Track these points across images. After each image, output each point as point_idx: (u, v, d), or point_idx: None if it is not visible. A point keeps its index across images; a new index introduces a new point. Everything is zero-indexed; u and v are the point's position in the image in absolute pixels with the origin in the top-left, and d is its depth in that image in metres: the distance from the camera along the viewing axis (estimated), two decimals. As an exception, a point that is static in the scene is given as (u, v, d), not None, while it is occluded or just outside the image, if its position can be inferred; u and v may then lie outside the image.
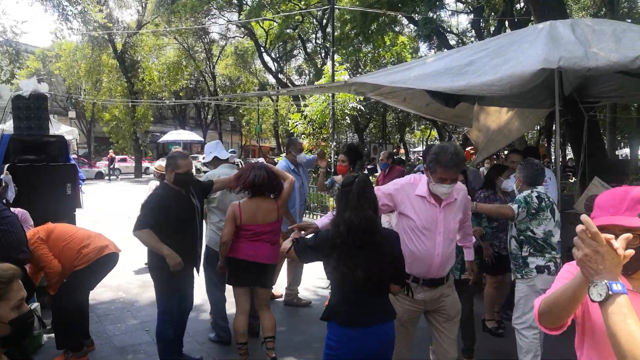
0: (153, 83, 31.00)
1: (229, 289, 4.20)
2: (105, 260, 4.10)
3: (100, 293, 6.08)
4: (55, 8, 20.06)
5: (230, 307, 4.41)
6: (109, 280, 6.58)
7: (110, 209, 14.64)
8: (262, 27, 28.01)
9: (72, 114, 31.51)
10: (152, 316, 5.26)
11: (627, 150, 24.31)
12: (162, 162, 7.25)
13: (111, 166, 28.77)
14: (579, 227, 1.28)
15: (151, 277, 3.92)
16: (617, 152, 22.39)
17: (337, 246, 2.49)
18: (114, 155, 29.47)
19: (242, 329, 3.93)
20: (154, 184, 6.77)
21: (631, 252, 1.29)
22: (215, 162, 4.92)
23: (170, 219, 3.70)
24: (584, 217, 1.28)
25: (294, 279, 5.73)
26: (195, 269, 4.07)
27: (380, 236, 2.57)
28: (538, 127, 18.98)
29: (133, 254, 8.22)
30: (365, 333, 2.51)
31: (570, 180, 11.55)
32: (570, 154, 18.54)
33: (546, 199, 3.72)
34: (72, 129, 14.36)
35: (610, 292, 1.21)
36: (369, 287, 2.50)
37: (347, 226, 2.47)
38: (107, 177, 28.26)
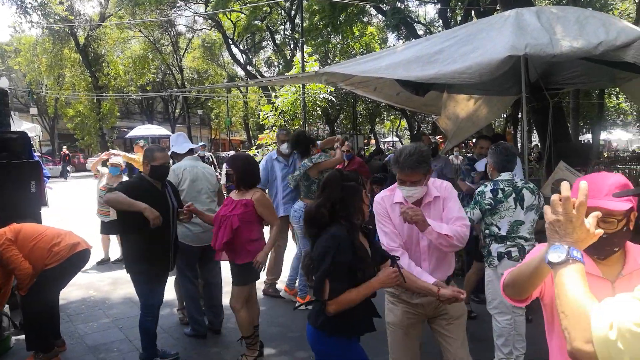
0: (119, 77, 30.26)
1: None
2: (77, 258, 3.99)
3: (70, 292, 5.93)
4: (13, 0, 19.32)
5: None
6: (78, 278, 6.44)
7: (76, 206, 14.28)
8: (230, 19, 27.63)
9: (33, 110, 30.53)
10: (124, 313, 5.19)
11: (589, 136, 25.06)
12: (117, 158, 7.15)
13: (66, 165, 27.85)
14: (556, 195, 1.27)
15: (132, 271, 3.84)
16: (580, 138, 23.07)
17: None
18: (67, 152, 28.49)
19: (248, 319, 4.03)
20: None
21: (600, 232, 1.30)
22: (179, 155, 4.84)
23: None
24: (564, 183, 1.29)
25: (274, 269, 5.72)
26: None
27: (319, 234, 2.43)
28: (504, 115, 19.36)
29: (102, 253, 8.07)
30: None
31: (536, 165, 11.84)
32: (535, 141, 19.01)
33: (506, 188, 3.61)
34: (35, 125, 13.98)
35: (569, 257, 1.22)
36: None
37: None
38: (62, 176, 27.42)
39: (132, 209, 3.57)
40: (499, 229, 3.63)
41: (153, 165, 3.76)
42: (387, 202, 2.80)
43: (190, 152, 4.91)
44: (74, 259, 3.96)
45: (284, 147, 5.60)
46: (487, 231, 3.70)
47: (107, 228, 7.14)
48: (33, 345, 3.94)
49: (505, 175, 3.69)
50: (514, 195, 3.60)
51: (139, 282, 3.85)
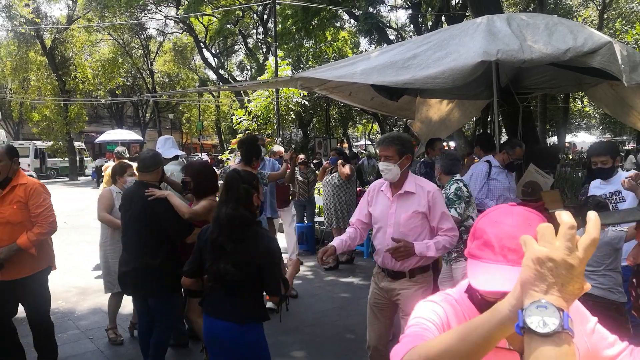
0: (87, 81, 29.53)
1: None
2: None
3: (38, 303, 5.75)
4: (-25, 2, 18.68)
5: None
6: (47, 288, 6.28)
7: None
8: (202, 23, 27.40)
9: (-3, 114, 29.55)
10: (96, 324, 5.05)
11: (555, 139, 25.76)
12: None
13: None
14: (568, 219, 0.81)
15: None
16: (547, 141, 23.68)
17: (210, 240, 2.61)
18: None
19: None
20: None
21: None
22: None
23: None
24: (564, 212, 0.83)
25: None
26: None
27: (246, 235, 2.54)
28: (474, 119, 19.73)
29: (71, 261, 7.87)
30: (212, 322, 2.65)
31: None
32: (505, 144, 19.39)
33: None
34: (-1, 130, 13.49)
35: (563, 328, 0.77)
36: (224, 284, 2.57)
37: (215, 221, 2.63)
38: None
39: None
40: (474, 219, 3.82)
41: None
42: (376, 188, 3.20)
43: (176, 157, 4.89)
44: None
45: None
46: (462, 228, 3.84)
47: None
48: None
49: (457, 177, 4.05)
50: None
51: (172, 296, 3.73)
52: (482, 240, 1.16)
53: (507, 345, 1.15)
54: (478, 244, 1.18)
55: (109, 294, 4.65)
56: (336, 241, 3.11)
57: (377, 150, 3.16)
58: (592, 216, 0.82)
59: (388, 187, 3.10)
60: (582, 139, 37.35)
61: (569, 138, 31.09)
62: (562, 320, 0.77)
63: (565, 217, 0.81)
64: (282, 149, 6.90)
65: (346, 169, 7.00)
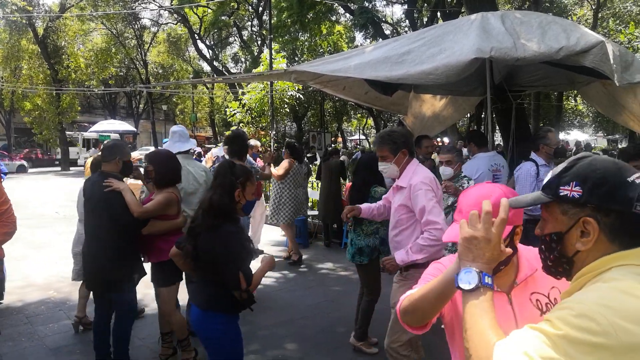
0: (79, 70, 29.28)
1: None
2: None
3: (29, 292, 5.75)
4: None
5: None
6: (36, 279, 6.27)
7: (36, 203, 13.80)
8: (196, 14, 27.21)
9: (-12, 103, 29.26)
10: (88, 314, 5.04)
11: (548, 137, 25.85)
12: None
13: None
14: (486, 206, 1.18)
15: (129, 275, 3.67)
16: (540, 139, 23.76)
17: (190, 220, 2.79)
18: None
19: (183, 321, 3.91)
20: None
21: (510, 250, 1.26)
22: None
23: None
24: (485, 200, 1.20)
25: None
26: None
27: (215, 224, 2.58)
28: (469, 115, 19.79)
29: (63, 252, 7.84)
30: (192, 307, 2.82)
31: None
32: (497, 140, 19.52)
33: None
34: (-10, 119, 13.39)
35: (480, 283, 1.14)
36: (196, 270, 2.72)
37: (200, 205, 2.75)
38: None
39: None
40: None
41: (125, 162, 3.71)
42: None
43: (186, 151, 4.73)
44: None
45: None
46: None
47: None
48: None
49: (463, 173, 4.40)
50: None
51: (133, 287, 3.75)
52: (458, 209, 1.53)
53: (496, 288, 1.43)
54: (455, 212, 1.55)
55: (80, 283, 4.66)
56: (365, 206, 3.35)
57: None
58: (504, 202, 1.19)
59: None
60: (575, 137, 37.59)
61: (562, 136, 31.23)
62: (480, 279, 1.14)
63: (485, 205, 1.18)
64: (258, 143, 7.17)
65: (279, 170, 6.71)
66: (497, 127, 8.81)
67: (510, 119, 6.92)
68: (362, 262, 4.04)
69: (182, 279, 3.78)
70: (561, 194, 1.12)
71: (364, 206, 3.35)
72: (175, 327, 3.88)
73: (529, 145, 5.08)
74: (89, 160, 6.24)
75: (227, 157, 5.38)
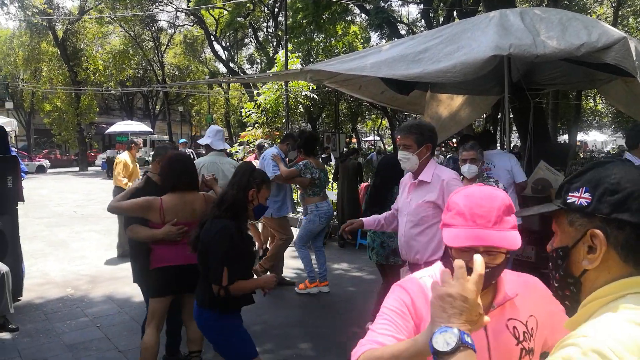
0: (98, 72, 29.71)
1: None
2: None
3: (48, 289, 5.82)
4: (-11, -8, 18.84)
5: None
6: (55, 276, 6.36)
7: (55, 202, 14.01)
8: (212, 15, 27.38)
9: (9, 104, 29.83)
10: (103, 312, 5.10)
11: (566, 137, 25.51)
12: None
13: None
14: (459, 262, 1.05)
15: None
16: (558, 138, 23.45)
17: None
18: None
19: (156, 346, 3.29)
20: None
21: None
22: (208, 148, 5.07)
23: None
24: (458, 261, 1.06)
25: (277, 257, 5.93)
26: None
27: (217, 216, 2.67)
28: (484, 115, 19.59)
29: (81, 250, 7.94)
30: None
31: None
32: (514, 140, 19.30)
33: None
34: (11, 120, 13.62)
35: (460, 343, 0.96)
36: (199, 262, 2.75)
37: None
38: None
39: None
40: None
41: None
42: (406, 178, 3.20)
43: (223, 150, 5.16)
44: None
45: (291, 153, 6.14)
46: None
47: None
48: None
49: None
50: None
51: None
52: (455, 211, 1.33)
53: None
54: (452, 215, 1.34)
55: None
56: (369, 218, 3.21)
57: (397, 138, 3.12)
58: (477, 259, 1.05)
59: (410, 177, 3.10)
60: (594, 138, 36.98)
61: (580, 136, 30.76)
62: (460, 338, 0.96)
63: (458, 262, 1.04)
64: (267, 143, 7.47)
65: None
66: (514, 127, 8.69)
67: (528, 119, 6.82)
68: (396, 263, 3.97)
69: (172, 293, 3.37)
70: (569, 200, 0.97)
71: (370, 218, 3.20)
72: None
73: (549, 145, 4.98)
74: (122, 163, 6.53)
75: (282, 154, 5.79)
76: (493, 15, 4.52)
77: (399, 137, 3.03)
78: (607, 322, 0.85)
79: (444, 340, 0.97)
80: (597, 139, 37.35)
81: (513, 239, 1.27)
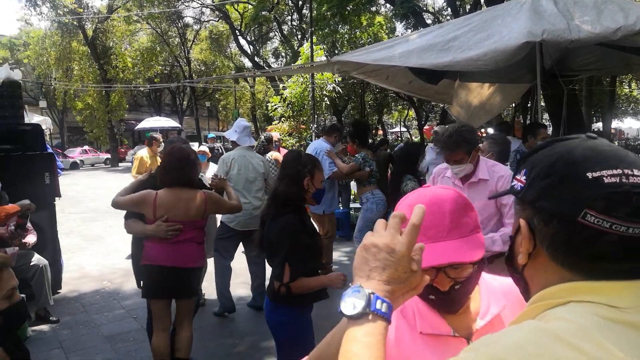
0: (127, 69, 30.33)
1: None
2: None
3: (84, 283, 6.00)
4: (23, -7, 19.41)
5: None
6: (90, 270, 6.55)
7: (89, 198, 14.39)
8: (237, 10, 27.56)
9: (43, 103, 30.72)
10: (139, 304, 5.20)
11: (600, 125, 24.80)
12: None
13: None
14: (397, 212, 0.88)
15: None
16: (592, 126, 22.81)
17: None
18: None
19: (165, 348, 3.23)
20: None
21: (428, 278, 0.90)
22: (234, 143, 5.10)
23: None
24: (418, 206, 0.86)
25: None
26: None
27: (278, 214, 2.59)
28: (513, 105, 19.21)
29: (115, 244, 8.14)
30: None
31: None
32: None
33: None
34: (45, 118, 14.04)
35: (368, 309, 0.78)
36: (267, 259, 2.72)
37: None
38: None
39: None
40: None
41: None
42: (441, 173, 3.13)
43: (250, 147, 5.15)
44: None
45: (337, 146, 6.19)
46: None
47: None
48: None
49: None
50: None
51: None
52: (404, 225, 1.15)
53: (452, 333, 1.12)
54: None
55: None
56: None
57: (443, 156, 2.98)
58: (417, 208, 0.85)
59: (448, 170, 3.01)
60: (629, 125, 35.81)
61: (615, 124, 29.87)
62: (368, 302, 0.78)
63: (395, 213, 0.88)
64: (277, 135, 7.70)
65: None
66: (546, 115, 8.49)
67: (561, 106, 6.63)
68: None
69: (162, 297, 3.24)
70: (512, 183, 0.83)
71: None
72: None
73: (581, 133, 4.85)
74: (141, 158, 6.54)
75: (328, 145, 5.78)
76: (525, 1, 4.41)
77: (446, 155, 2.90)
78: (525, 330, 0.69)
79: (352, 302, 0.79)
80: (633, 126, 36.16)
81: (476, 247, 1.07)
